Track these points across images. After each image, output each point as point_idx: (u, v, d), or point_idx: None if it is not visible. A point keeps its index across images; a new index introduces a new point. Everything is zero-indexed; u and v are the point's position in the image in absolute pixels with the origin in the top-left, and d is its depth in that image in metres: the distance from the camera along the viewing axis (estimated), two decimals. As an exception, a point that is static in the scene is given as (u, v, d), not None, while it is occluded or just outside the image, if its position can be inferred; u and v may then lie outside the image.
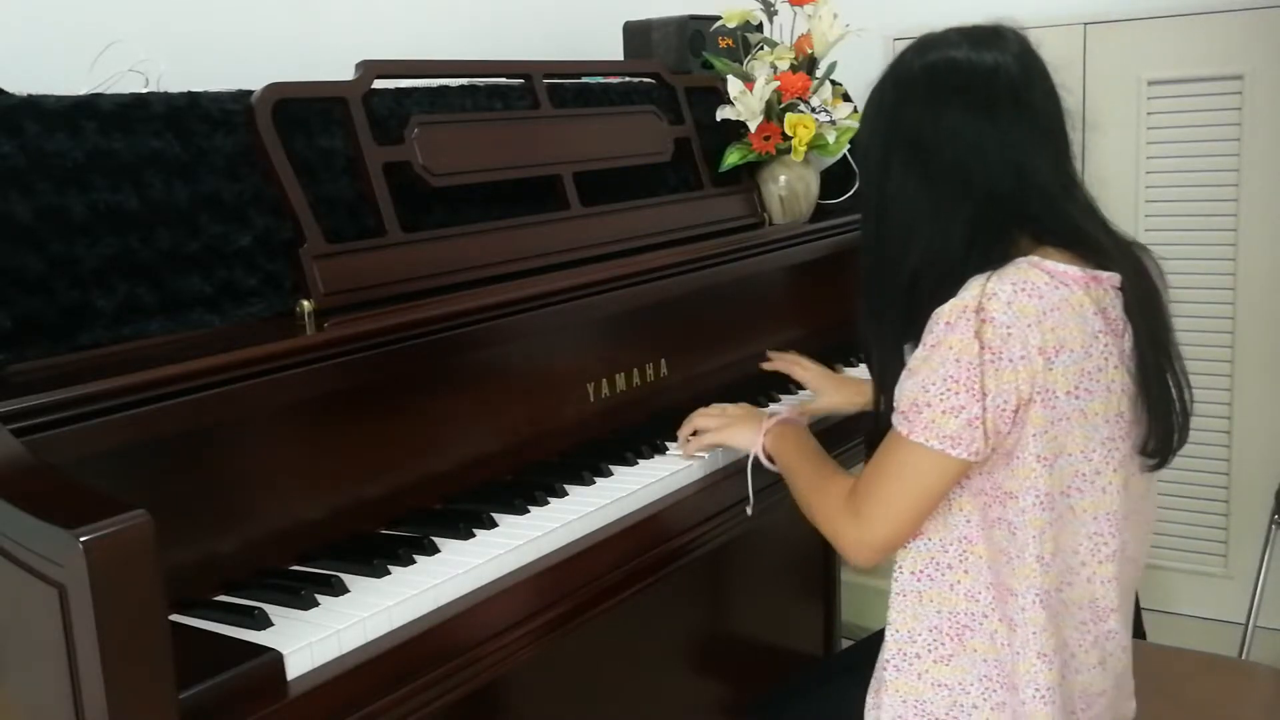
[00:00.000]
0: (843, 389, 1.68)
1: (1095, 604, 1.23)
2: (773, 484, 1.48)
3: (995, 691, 1.22)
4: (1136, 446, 1.23)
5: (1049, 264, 1.16)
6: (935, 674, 1.23)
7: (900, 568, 1.25)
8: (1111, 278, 1.19)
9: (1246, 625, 1.88)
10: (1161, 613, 2.40)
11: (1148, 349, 1.20)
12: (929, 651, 1.24)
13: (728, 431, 1.48)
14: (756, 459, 1.44)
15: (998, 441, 1.14)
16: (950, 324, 1.12)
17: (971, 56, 1.20)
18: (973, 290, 1.13)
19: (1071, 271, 1.16)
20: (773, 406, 1.76)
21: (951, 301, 1.14)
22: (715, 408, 1.53)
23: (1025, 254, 1.17)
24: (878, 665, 1.30)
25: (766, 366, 1.75)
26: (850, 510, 1.22)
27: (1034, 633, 1.18)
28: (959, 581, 1.21)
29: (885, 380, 1.25)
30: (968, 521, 1.20)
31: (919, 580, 1.23)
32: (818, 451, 1.39)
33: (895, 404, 1.18)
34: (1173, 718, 1.33)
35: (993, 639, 1.21)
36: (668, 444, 1.56)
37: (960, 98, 1.19)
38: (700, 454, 1.51)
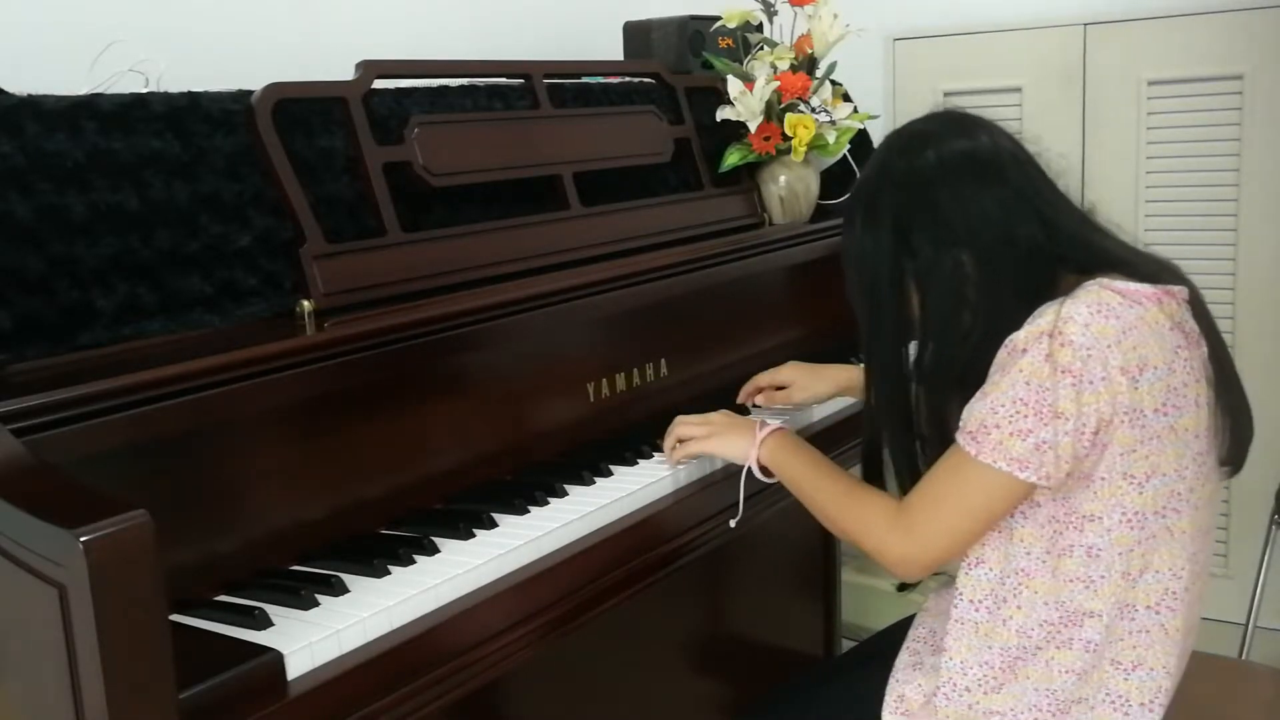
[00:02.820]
0: (814, 376, 1.68)
1: (1188, 624, 1.22)
2: (759, 492, 1.47)
3: None
4: (1218, 458, 1.24)
5: (1119, 284, 1.16)
6: (986, 704, 1.23)
7: (960, 595, 1.24)
8: (1181, 291, 1.20)
9: (1246, 625, 1.87)
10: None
11: (1222, 358, 1.22)
12: (979, 685, 1.23)
13: (714, 441, 1.45)
14: (750, 470, 1.42)
15: (1075, 465, 1.13)
16: (1025, 349, 1.13)
17: (970, 142, 1.24)
18: (1047, 316, 1.13)
19: (1143, 289, 1.16)
20: (760, 412, 1.74)
21: (1026, 328, 1.14)
22: (697, 416, 1.49)
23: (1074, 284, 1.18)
24: (917, 669, 1.31)
25: (747, 400, 1.72)
26: (902, 526, 1.22)
27: (1109, 641, 1.18)
28: (1011, 617, 1.21)
29: (936, 425, 1.26)
30: (1027, 554, 1.19)
31: (976, 611, 1.23)
32: (827, 461, 1.38)
33: (962, 424, 1.18)
34: (1172, 718, 1.34)
35: (1049, 666, 1.20)
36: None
37: (976, 176, 1.22)
38: (685, 463, 1.48)
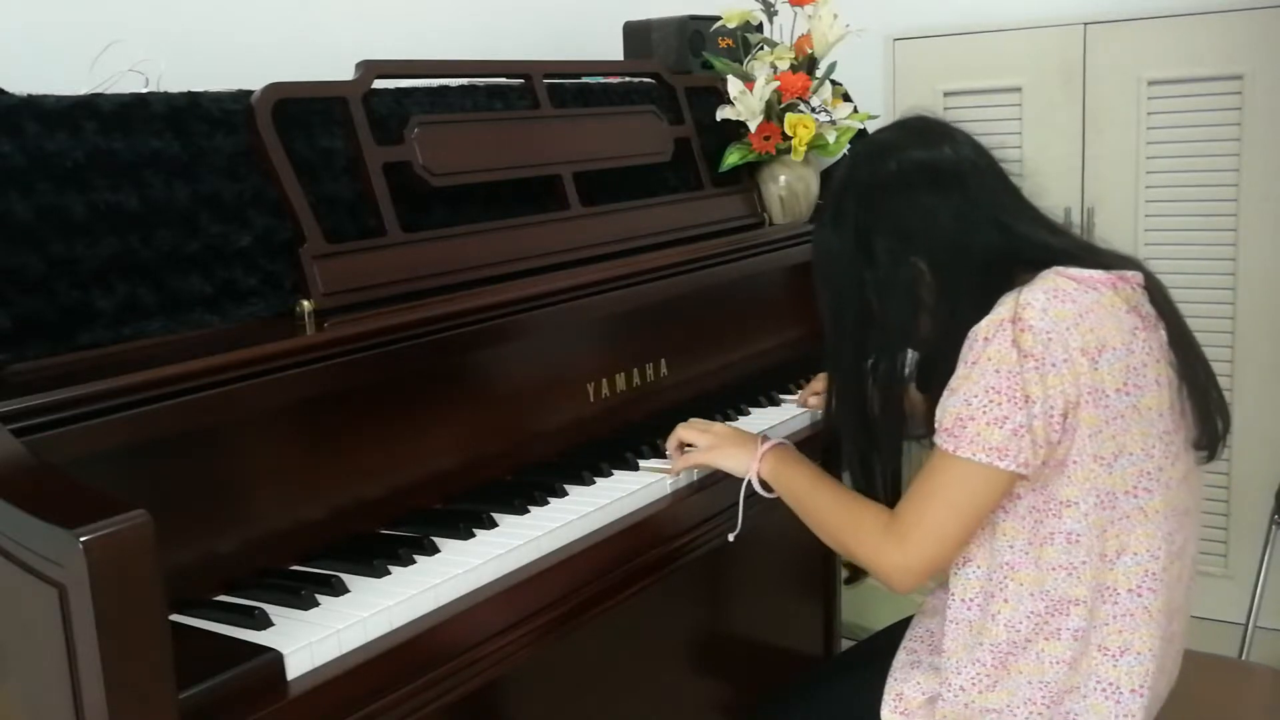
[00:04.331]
0: None
1: (1169, 606, 1.23)
2: (754, 501, 1.45)
3: (1040, 713, 1.22)
4: (1189, 440, 1.24)
5: (1073, 271, 1.18)
6: (982, 702, 1.24)
7: (953, 595, 1.25)
8: (1135, 276, 1.22)
9: (1246, 625, 1.87)
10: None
11: (1181, 341, 1.23)
12: (973, 684, 1.24)
13: (716, 453, 1.44)
14: (749, 484, 1.41)
15: (1049, 451, 1.15)
16: (988, 339, 1.15)
17: (930, 152, 1.27)
18: (1007, 304, 1.16)
19: (1097, 275, 1.18)
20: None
21: (987, 318, 1.16)
22: (701, 423, 1.49)
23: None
24: (914, 668, 1.32)
25: (803, 403, 1.76)
26: (895, 536, 1.22)
27: (1094, 626, 1.19)
28: (999, 612, 1.22)
29: (888, 429, 1.30)
30: (1010, 547, 1.20)
31: (969, 609, 1.24)
32: (827, 477, 1.37)
33: (937, 422, 1.19)
34: (1173, 718, 1.34)
35: (1039, 659, 1.21)
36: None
37: (935, 186, 1.25)
38: (687, 471, 1.47)
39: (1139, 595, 1.19)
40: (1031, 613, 1.20)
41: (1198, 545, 1.30)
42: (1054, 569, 1.19)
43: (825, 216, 1.34)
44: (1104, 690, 1.20)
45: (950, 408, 1.17)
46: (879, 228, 1.27)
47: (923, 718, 1.28)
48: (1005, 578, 1.21)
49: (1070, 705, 1.21)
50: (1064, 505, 1.17)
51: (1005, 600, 1.21)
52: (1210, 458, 1.27)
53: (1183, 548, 1.23)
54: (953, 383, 1.18)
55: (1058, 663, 1.20)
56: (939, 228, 1.24)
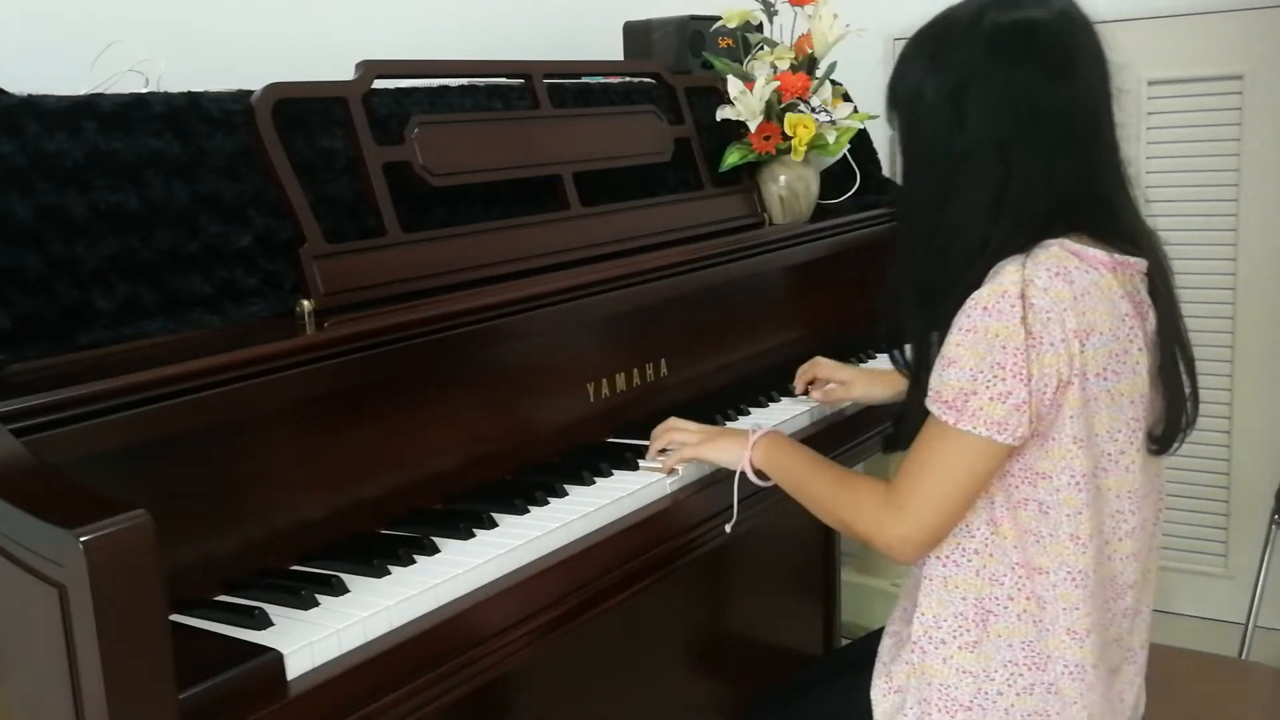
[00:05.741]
0: (874, 378, 1.70)
1: (1114, 580, 1.24)
2: (752, 495, 1.46)
3: (1022, 675, 1.23)
4: (1149, 429, 1.24)
5: (1077, 247, 1.17)
6: (960, 660, 1.24)
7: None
8: (1139, 263, 1.21)
9: (1246, 625, 1.88)
10: (1161, 613, 2.40)
11: (1167, 334, 1.23)
12: (954, 638, 1.24)
13: (708, 446, 1.44)
14: (744, 474, 1.41)
15: (1038, 426, 1.16)
16: (989, 309, 1.13)
17: (1066, 24, 1.23)
18: (1009, 276, 1.14)
19: (1099, 255, 1.18)
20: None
21: (988, 287, 1.14)
22: (691, 423, 1.49)
23: (1055, 237, 1.18)
24: (900, 648, 1.31)
25: (801, 390, 1.76)
26: (894, 507, 1.22)
27: (1064, 609, 1.20)
28: (984, 565, 1.23)
29: (920, 363, 1.26)
30: (992, 504, 1.21)
31: (944, 565, 1.24)
32: (821, 457, 1.38)
33: (935, 394, 1.17)
34: (1172, 718, 1.34)
35: (1019, 619, 1.22)
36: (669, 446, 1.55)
37: (1058, 71, 1.19)
38: (677, 470, 1.46)
39: (1095, 571, 1.20)
40: (1016, 564, 1.21)
41: (1159, 527, 1.31)
42: (1027, 532, 1.20)
43: (925, 48, 1.23)
44: (1071, 673, 1.21)
45: (950, 380, 1.15)
46: (983, 91, 1.18)
47: (910, 692, 1.28)
48: (990, 533, 1.22)
49: (1045, 684, 1.22)
50: (1039, 476, 1.18)
51: (990, 555, 1.22)
52: (1161, 452, 1.26)
53: (1137, 528, 1.23)
54: (948, 351, 1.16)
55: (1035, 623, 1.21)
56: (1038, 130, 1.16)
